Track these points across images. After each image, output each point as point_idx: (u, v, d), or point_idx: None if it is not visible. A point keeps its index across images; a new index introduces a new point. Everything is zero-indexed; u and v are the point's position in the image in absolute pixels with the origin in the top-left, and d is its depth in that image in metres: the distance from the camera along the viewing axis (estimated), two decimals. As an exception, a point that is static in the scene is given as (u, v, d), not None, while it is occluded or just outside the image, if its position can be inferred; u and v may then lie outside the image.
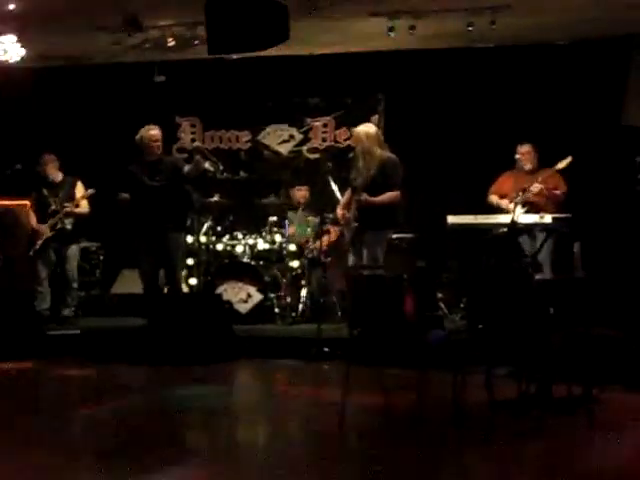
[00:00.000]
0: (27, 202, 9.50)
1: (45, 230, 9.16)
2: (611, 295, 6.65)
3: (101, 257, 10.40)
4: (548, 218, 7.67)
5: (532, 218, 7.82)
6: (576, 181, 8.25)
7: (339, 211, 8.34)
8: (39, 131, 10.66)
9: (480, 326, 5.69)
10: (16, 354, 8.02)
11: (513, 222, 7.65)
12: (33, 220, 9.29)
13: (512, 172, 8.61)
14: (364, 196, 7.88)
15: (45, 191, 9.28)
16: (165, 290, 8.71)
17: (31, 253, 9.17)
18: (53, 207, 9.18)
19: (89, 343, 8.45)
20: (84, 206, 9.33)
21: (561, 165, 8.11)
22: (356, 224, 8.01)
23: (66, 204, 9.16)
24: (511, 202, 8.25)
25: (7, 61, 8.97)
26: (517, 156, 8.46)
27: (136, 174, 8.37)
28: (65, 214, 9.17)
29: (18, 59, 9.05)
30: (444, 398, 5.68)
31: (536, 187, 8.22)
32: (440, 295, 9.09)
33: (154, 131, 8.43)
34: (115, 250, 10.33)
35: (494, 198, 8.62)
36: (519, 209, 7.99)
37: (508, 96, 9.81)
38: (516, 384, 5.81)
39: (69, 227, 9.26)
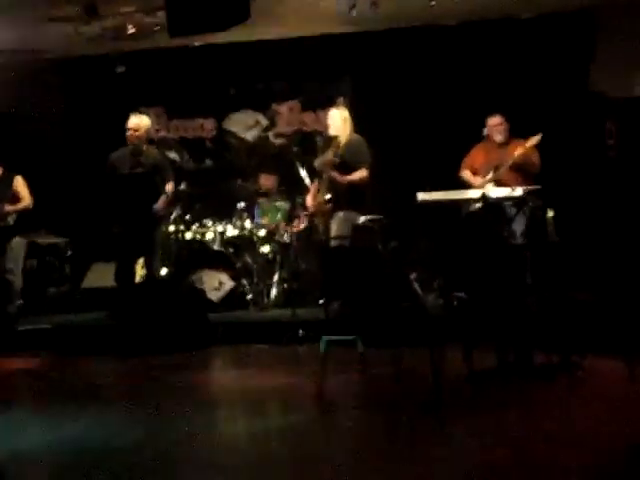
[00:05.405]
0: None
1: None
2: (584, 260, 6.62)
3: (69, 252, 10.24)
4: (519, 191, 7.60)
5: (503, 192, 7.74)
6: (547, 151, 8.16)
7: (310, 201, 8.34)
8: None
9: (456, 302, 5.66)
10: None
11: (484, 196, 7.58)
12: None
13: (483, 145, 8.43)
14: (334, 173, 7.89)
15: None
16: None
17: None
18: None
19: (60, 337, 8.34)
20: (25, 200, 9.00)
21: (531, 142, 8.03)
22: (329, 206, 8.01)
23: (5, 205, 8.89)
24: (483, 180, 8.17)
25: None
26: (486, 129, 8.30)
27: (115, 162, 8.38)
28: (5, 213, 8.91)
29: None
30: (423, 373, 5.63)
31: (519, 151, 8.05)
32: (413, 275, 9.00)
33: (131, 119, 8.39)
34: (84, 244, 10.16)
35: (466, 174, 8.47)
36: (490, 185, 7.93)
37: (474, 71, 9.72)
38: (494, 355, 5.79)
39: (11, 222, 8.98)
